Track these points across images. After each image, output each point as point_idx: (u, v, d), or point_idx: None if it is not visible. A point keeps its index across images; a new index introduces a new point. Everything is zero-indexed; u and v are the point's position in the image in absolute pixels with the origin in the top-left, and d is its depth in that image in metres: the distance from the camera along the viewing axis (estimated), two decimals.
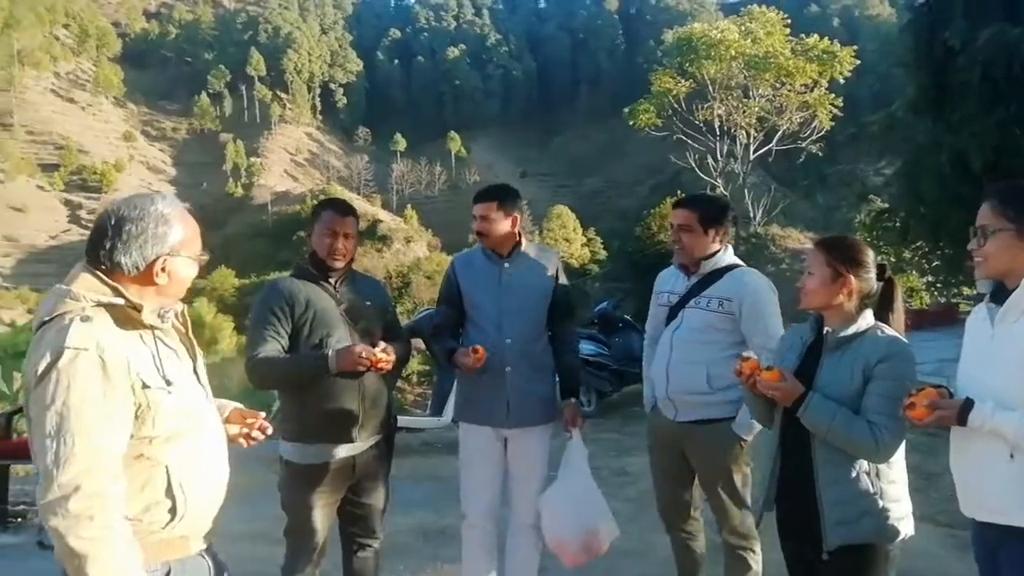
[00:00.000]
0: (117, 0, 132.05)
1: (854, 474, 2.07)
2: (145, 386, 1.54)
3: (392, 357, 2.58)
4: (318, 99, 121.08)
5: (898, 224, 11.93)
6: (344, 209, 2.70)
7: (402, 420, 6.01)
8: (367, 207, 78.50)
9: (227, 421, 1.86)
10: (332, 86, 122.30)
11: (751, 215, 20.53)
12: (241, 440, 1.88)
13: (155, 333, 1.64)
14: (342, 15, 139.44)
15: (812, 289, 2.17)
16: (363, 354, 2.49)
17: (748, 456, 2.85)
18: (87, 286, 1.56)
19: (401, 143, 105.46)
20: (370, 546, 2.82)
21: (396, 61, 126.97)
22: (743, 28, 18.07)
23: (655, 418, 3.00)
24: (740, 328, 2.79)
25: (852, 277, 2.11)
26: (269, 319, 2.56)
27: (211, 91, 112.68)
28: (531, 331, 3.00)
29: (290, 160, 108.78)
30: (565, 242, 67.47)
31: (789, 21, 17.82)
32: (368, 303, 2.75)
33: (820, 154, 19.40)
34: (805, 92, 17.93)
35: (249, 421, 1.88)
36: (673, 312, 2.94)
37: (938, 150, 9.18)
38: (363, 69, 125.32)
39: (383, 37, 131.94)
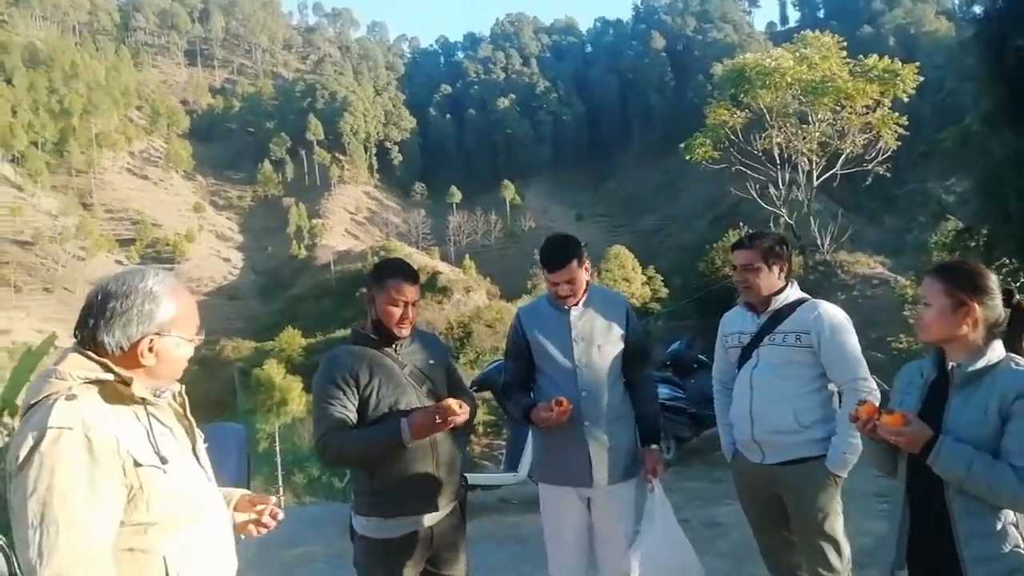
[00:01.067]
0: (185, 80, 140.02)
1: (999, 526, 1.82)
2: (137, 464, 1.42)
3: (467, 409, 2.41)
4: (374, 158, 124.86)
5: (982, 243, 11.29)
6: (411, 276, 2.55)
7: (474, 478, 5.84)
8: (426, 260, 79.71)
9: (235, 509, 1.75)
10: (387, 144, 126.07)
11: (819, 242, 19.85)
12: (251, 528, 1.76)
13: (148, 409, 1.53)
14: (394, 75, 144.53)
15: (931, 321, 1.95)
16: (437, 414, 2.34)
17: (839, 499, 2.68)
18: (74, 364, 1.48)
19: (456, 195, 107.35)
20: None
21: (448, 116, 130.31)
22: (797, 55, 17.75)
23: (740, 464, 2.83)
24: (820, 361, 2.66)
25: (976, 305, 1.89)
26: (334, 393, 2.42)
27: (273, 158, 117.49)
28: (607, 381, 2.81)
29: (350, 219, 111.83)
30: (625, 282, 66.86)
31: (845, 44, 17.43)
32: (431, 362, 2.61)
33: (887, 175, 18.72)
34: (867, 113, 17.41)
35: (259, 508, 1.76)
36: (747, 352, 2.79)
37: (1019, 163, 8.67)
38: (416, 126, 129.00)
39: (434, 93, 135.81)
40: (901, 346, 17.56)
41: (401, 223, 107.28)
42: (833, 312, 2.71)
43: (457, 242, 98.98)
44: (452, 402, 2.36)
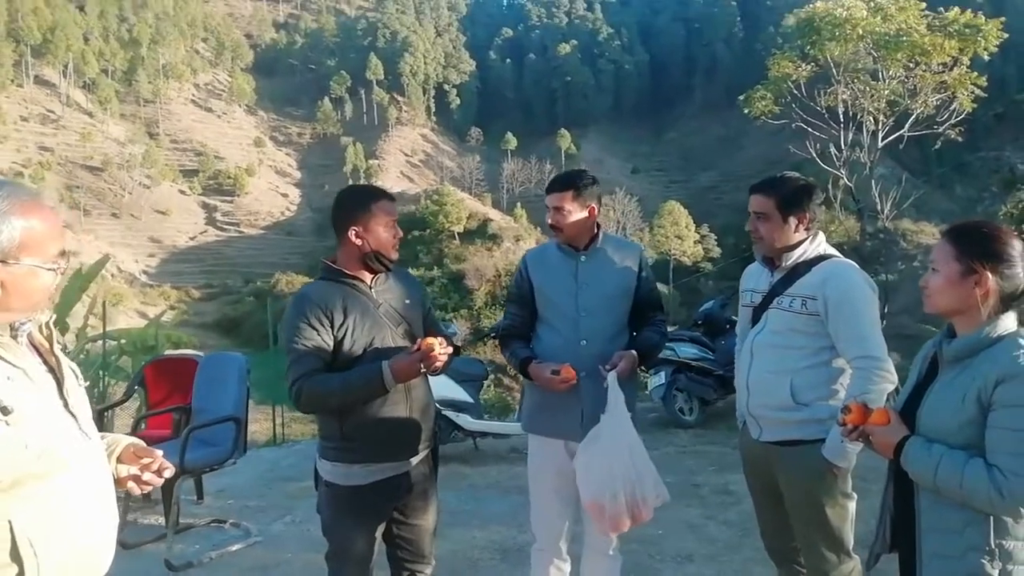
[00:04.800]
0: (249, 13, 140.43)
1: (963, 523, 1.62)
2: None
3: (448, 349, 2.28)
4: (432, 100, 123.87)
5: None
6: (393, 197, 2.43)
7: (485, 425, 5.78)
8: (478, 206, 79.54)
9: (120, 460, 1.55)
10: (446, 87, 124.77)
11: (879, 208, 18.96)
12: (132, 485, 1.56)
13: None
14: (456, 16, 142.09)
15: (936, 289, 1.72)
16: (421, 354, 2.20)
17: (848, 486, 2.40)
18: None
19: (512, 142, 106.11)
20: (421, 572, 2.56)
21: (508, 60, 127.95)
22: (872, 4, 16.58)
23: (743, 436, 2.61)
24: (828, 331, 2.36)
25: (989, 273, 1.65)
26: (306, 332, 2.26)
27: (333, 96, 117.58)
28: (610, 331, 2.66)
29: (405, 161, 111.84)
30: (677, 239, 65.73)
31: None
32: (407, 302, 2.47)
33: (959, 140, 17.58)
34: (943, 72, 16.25)
35: (144, 462, 1.55)
36: (757, 314, 2.54)
37: None
38: (476, 69, 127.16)
39: (496, 36, 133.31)
40: None
41: (455, 168, 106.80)
42: (847, 274, 2.39)
43: (510, 190, 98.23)
44: (433, 341, 2.23)
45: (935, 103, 17.51)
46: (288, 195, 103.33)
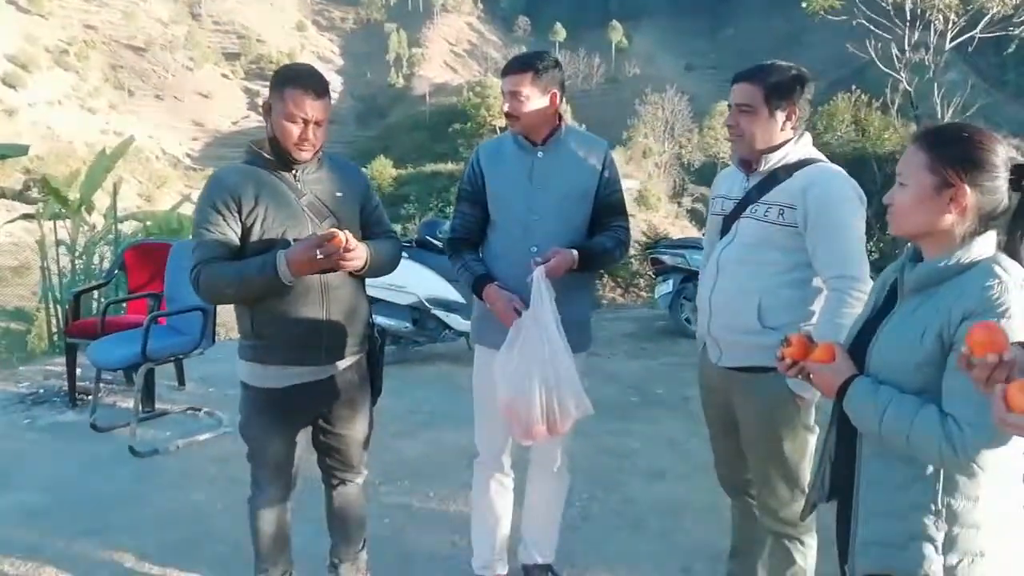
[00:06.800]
0: None
1: (909, 479, 1.37)
2: None
3: (359, 249, 2.05)
4: None
5: None
6: (316, 88, 2.08)
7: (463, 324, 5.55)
8: None
9: None
10: None
11: (939, 116, 17.77)
12: None
13: None
14: None
15: (904, 207, 1.40)
16: (320, 247, 1.96)
17: (810, 418, 2.17)
18: None
19: (561, 33, 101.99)
20: (351, 481, 2.43)
21: None
22: None
23: (702, 358, 2.34)
24: (805, 245, 2.06)
25: (967, 186, 1.33)
26: (212, 218, 2.05)
27: None
28: (564, 237, 2.36)
29: (449, 50, 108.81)
30: (728, 142, 63.34)
31: None
32: (339, 194, 2.20)
33: None
34: None
35: None
36: (727, 224, 2.22)
37: None
38: None
39: None
40: None
41: (501, 59, 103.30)
42: (834, 181, 2.08)
43: None
44: (340, 234, 1.98)
45: (1014, 1, 15.98)
46: (330, 82, 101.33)
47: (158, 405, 4.45)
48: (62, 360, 4.93)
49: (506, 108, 2.38)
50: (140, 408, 3.97)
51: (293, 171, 2.15)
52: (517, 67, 2.36)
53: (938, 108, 19.39)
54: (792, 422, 2.14)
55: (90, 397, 4.39)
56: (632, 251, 11.96)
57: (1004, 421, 1.03)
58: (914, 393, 1.34)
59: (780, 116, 2.11)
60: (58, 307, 6.15)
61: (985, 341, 1.09)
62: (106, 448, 3.88)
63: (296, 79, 2.08)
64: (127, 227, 7.90)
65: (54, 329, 6.22)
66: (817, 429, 2.18)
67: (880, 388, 1.36)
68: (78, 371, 4.54)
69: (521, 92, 2.33)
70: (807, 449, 2.18)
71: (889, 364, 1.38)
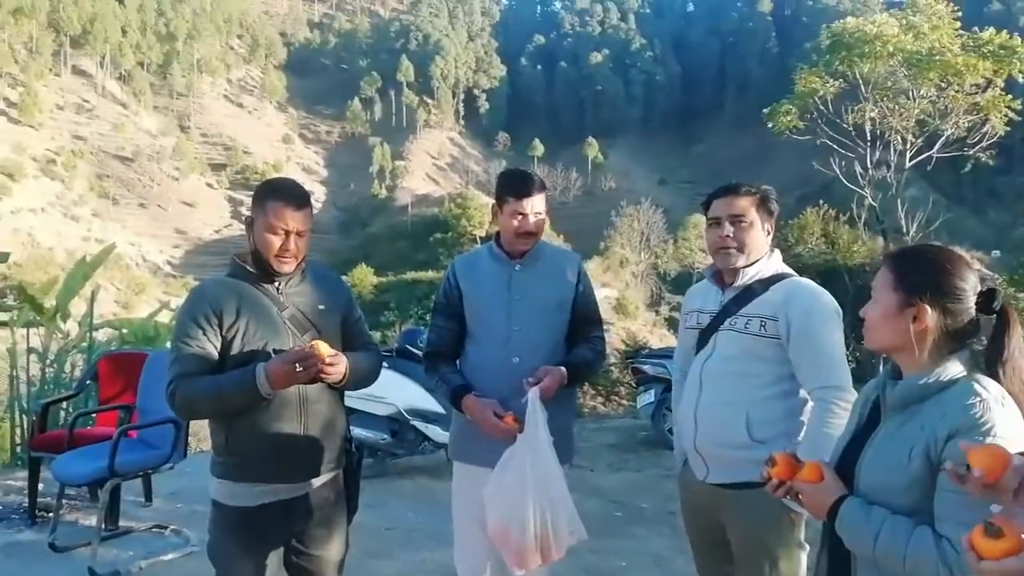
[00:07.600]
0: (285, 11, 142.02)
1: None
2: None
3: (340, 361, 2.02)
4: (461, 104, 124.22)
5: None
6: (296, 200, 2.10)
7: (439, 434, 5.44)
8: None
9: None
10: (476, 92, 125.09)
11: (904, 230, 18.47)
12: None
13: None
14: (489, 22, 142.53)
15: (873, 322, 1.44)
16: (300, 360, 1.93)
17: (801, 535, 2.13)
18: None
19: (539, 148, 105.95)
20: None
21: (539, 67, 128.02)
22: (904, 22, 16.15)
23: (685, 476, 2.30)
24: (789, 357, 2.07)
25: (927, 307, 1.37)
26: (191, 331, 2.03)
27: (363, 96, 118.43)
28: (545, 348, 2.37)
29: (432, 164, 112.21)
30: (701, 252, 64.95)
31: (960, 13, 15.74)
32: (322, 307, 2.20)
33: (991, 163, 17.08)
34: (976, 93, 15.80)
35: None
36: (704, 337, 2.24)
37: None
38: (506, 75, 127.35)
39: (528, 43, 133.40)
40: None
41: (481, 172, 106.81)
42: (811, 294, 2.13)
43: None
44: (322, 346, 1.97)
45: (966, 125, 16.98)
46: (314, 192, 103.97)
47: (122, 522, 4.24)
48: (24, 474, 4.73)
49: (528, 228, 2.38)
50: (103, 526, 3.78)
51: (276, 283, 2.15)
52: (539, 187, 2.41)
53: (903, 223, 20.15)
54: (786, 540, 2.10)
55: (51, 514, 4.18)
56: (612, 359, 11.98)
57: (980, 571, 1.03)
58: (905, 513, 1.32)
59: (767, 228, 2.19)
60: (24, 417, 5.96)
61: (986, 458, 1.10)
62: (64, 570, 3.66)
63: (277, 191, 2.12)
64: (102, 335, 7.78)
65: (18, 441, 6.00)
66: (808, 547, 2.13)
67: (872, 509, 1.34)
68: (40, 486, 4.34)
69: (542, 211, 2.40)
70: (800, 568, 2.13)
71: (878, 484, 1.37)
